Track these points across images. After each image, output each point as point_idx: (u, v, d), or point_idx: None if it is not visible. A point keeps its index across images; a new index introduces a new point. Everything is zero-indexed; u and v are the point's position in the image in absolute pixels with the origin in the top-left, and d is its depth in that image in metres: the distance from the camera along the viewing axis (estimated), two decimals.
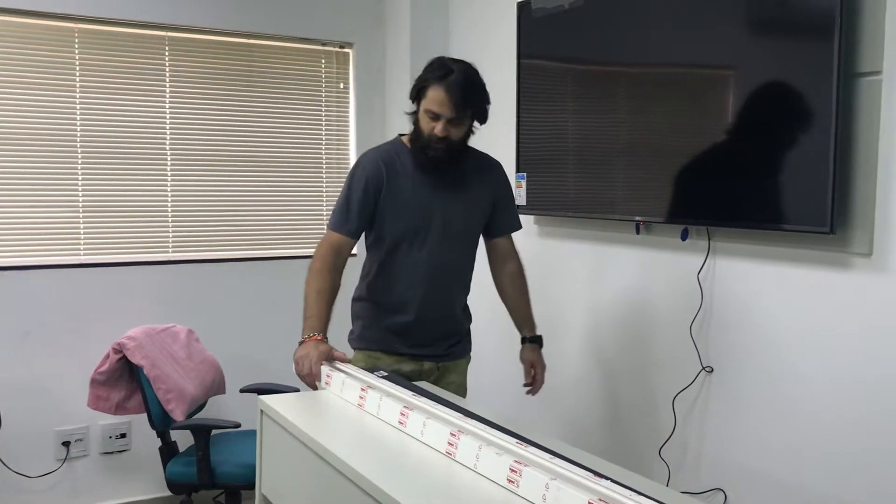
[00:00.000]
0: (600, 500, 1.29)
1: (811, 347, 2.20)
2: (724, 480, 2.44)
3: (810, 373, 2.20)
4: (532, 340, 2.67)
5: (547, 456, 1.47)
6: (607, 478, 1.38)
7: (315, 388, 2.29)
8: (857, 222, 2.06)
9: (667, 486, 2.43)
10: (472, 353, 2.71)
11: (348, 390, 2.12)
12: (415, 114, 2.45)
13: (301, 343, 2.33)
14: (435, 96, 2.35)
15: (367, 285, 2.56)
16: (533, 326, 2.68)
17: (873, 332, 2.05)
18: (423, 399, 1.90)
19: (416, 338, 2.51)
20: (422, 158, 2.44)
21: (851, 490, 2.09)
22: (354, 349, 2.58)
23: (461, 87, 2.34)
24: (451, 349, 2.59)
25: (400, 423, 1.86)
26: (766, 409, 2.32)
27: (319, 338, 2.31)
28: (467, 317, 2.67)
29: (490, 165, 2.64)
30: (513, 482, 1.46)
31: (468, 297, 2.64)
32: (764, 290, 2.33)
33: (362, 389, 2.06)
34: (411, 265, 2.48)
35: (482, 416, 1.84)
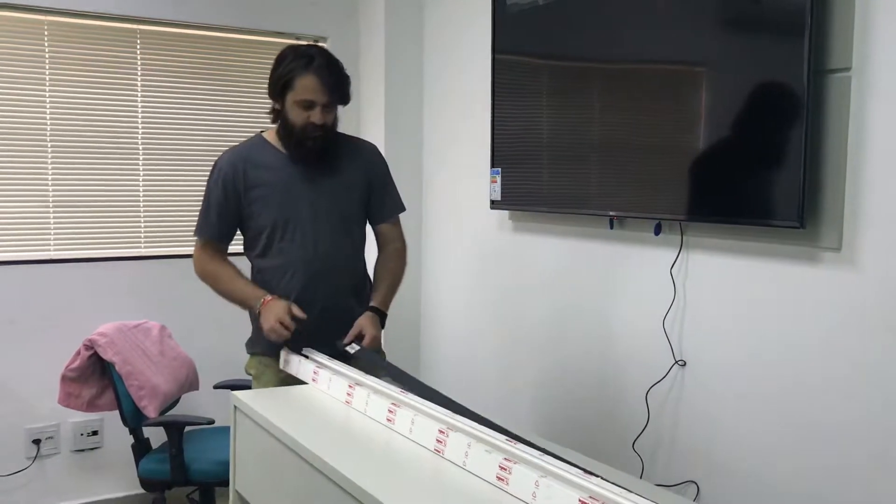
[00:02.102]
0: (591, 497, 1.29)
1: (781, 341, 2.22)
2: (697, 473, 2.47)
3: (781, 366, 2.23)
4: (376, 311, 2.47)
5: (537, 453, 1.47)
6: (597, 475, 1.38)
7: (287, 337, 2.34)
8: (827, 217, 2.09)
9: (640, 478, 2.45)
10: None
11: (335, 387, 2.11)
12: (279, 111, 2.41)
13: (259, 313, 2.37)
14: (306, 84, 2.33)
15: (255, 281, 2.50)
16: (384, 303, 2.50)
17: (842, 326, 2.08)
18: (412, 396, 1.88)
19: (304, 336, 2.39)
20: (301, 152, 2.41)
21: (822, 483, 2.12)
22: (248, 355, 2.55)
23: (329, 70, 2.34)
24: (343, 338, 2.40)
25: (388, 419, 1.85)
26: (737, 402, 2.35)
27: (269, 298, 2.38)
28: (366, 302, 2.52)
29: (362, 148, 2.59)
30: (502, 479, 1.46)
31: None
32: (736, 284, 2.35)
33: (350, 386, 2.05)
34: (285, 259, 2.44)
35: (473, 412, 1.80)
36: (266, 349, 2.47)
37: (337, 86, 2.37)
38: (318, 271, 2.44)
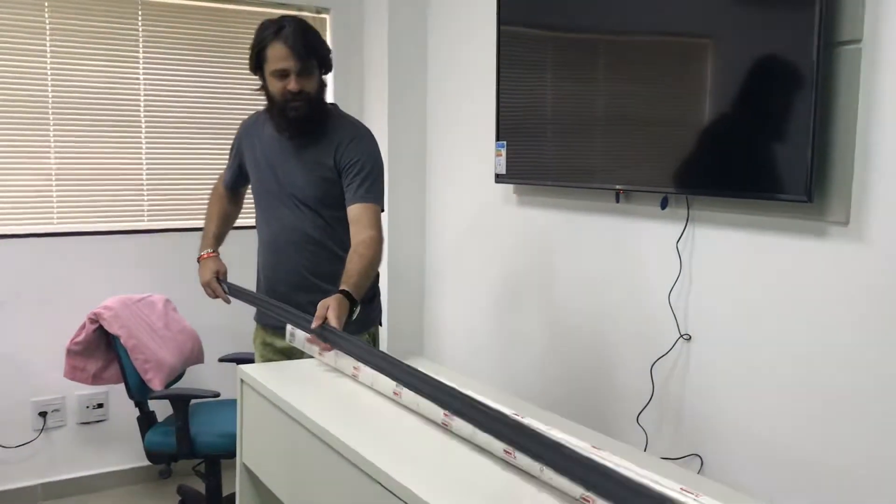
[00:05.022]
0: None
1: (788, 315, 2.22)
2: (701, 446, 2.48)
3: (787, 340, 2.22)
4: (347, 295, 2.23)
5: (545, 428, 1.47)
6: (601, 452, 1.38)
7: (222, 298, 2.60)
8: (835, 191, 2.08)
9: (644, 451, 2.46)
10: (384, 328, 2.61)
11: (342, 361, 2.11)
12: (263, 86, 2.44)
13: (199, 261, 2.63)
14: (276, 53, 2.34)
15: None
16: (352, 285, 2.26)
17: (849, 300, 2.07)
18: (422, 371, 1.81)
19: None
20: (283, 123, 2.42)
21: (829, 455, 2.13)
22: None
23: (298, 36, 2.34)
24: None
25: (395, 393, 1.85)
26: (742, 376, 2.35)
27: (211, 253, 2.64)
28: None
29: (345, 131, 2.46)
30: (510, 453, 1.46)
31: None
32: (742, 259, 2.34)
33: (354, 367, 2.05)
34: (260, 231, 2.58)
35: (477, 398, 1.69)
36: (256, 315, 2.64)
37: (308, 51, 2.35)
38: (279, 248, 2.51)
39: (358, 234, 2.38)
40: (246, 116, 2.72)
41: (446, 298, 3.74)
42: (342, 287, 2.25)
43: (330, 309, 2.13)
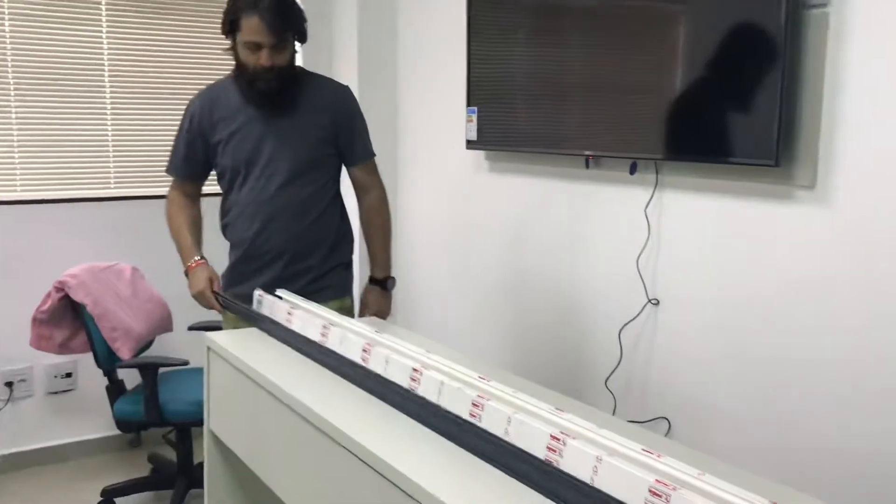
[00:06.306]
0: (562, 432, 1.30)
1: (754, 278, 2.24)
2: (669, 409, 2.50)
3: (753, 303, 2.25)
4: (376, 282, 2.54)
5: (509, 390, 1.48)
6: (564, 415, 1.38)
7: (218, 310, 2.46)
8: (802, 155, 2.09)
9: (613, 415, 2.48)
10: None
11: (310, 328, 2.10)
12: (233, 49, 2.36)
13: (186, 274, 2.46)
14: (250, 25, 2.26)
15: (223, 225, 2.54)
16: (382, 266, 2.54)
17: (814, 263, 2.09)
18: (387, 336, 1.87)
19: (258, 280, 2.41)
20: (252, 93, 2.36)
21: (791, 416, 2.16)
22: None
23: (275, 11, 2.26)
24: (308, 289, 2.39)
25: (363, 359, 1.85)
26: (709, 340, 2.37)
27: (200, 261, 2.45)
28: (336, 254, 2.52)
29: (329, 89, 2.50)
30: (475, 416, 1.46)
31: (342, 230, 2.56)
32: (710, 223, 2.35)
33: (324, 327, 2.04)
34: (243, 203, 2.44)
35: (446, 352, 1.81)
36: (228, 287, 2.52)
37: (284, 26, 2.29)
38: (272, 216, 2.41)
39: (366, 194, 2.55)
40: (197, 91, 2.55)
41: (418, 264, 3.73)
42: (371, 275, 2.53)
43: (370, 309, 2.51)
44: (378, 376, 1.71)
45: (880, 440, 1.97)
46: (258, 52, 2.29)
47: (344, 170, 2.57)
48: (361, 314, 2.55)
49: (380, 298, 2.56)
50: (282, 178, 2.40)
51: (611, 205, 2.67)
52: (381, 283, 2.56)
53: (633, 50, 2.49)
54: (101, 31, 3.48)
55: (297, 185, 2.42)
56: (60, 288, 3.00)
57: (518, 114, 3.00)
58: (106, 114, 3.54)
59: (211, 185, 2.61)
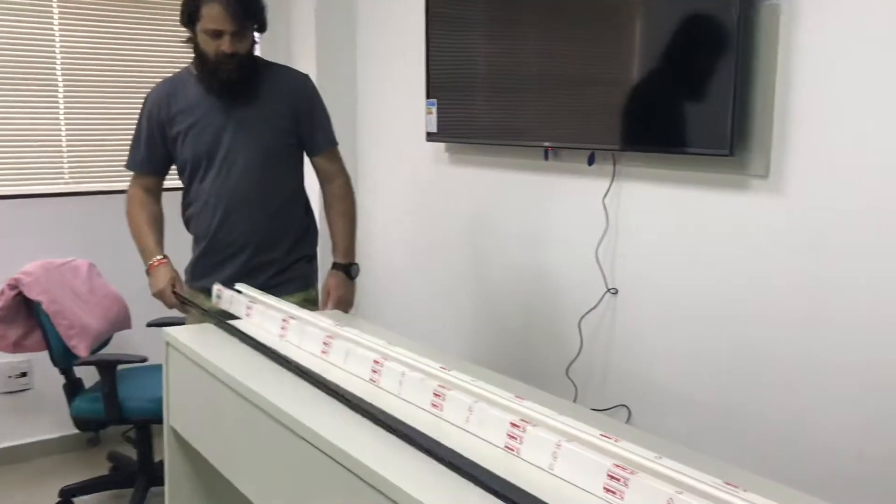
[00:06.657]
0: (522, 419, 1.31)
1: (710, 266, 2.28)
2: (629, 397, 2.54)
3: (710, 291, 2.28)
4: (339, 267, 2.54)
5: (470, 379, 1.48)
6: (525, 402, 1.39)
7: (179, 309, 2.47)
8: (755, 145, 2.12)
9: (574, 403, 2.50)
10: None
11: (269, 322, 2.08)
12: (192, 39, 2.36)
13: (147, 273, 2.45)
14: (211, 13, 2.27)
15: (186, 219, 2.54)
16: (345, 252, 2.55)
17: (769, 250, 2.13)
18: (349, 328, 1.87)
19: (222, 273, 2.42)
20: (214, 83, 2.36)
21: (748, 402, 2.20)
22: (185, 283, 2.55)
23: None
24: (271, 282, 2.42)
25: (323, 352, 1.84)
26: (667, 328, 2.40)
27: (161, 260, 2.45)
28: (299, 246, 2.53)
29: (288, 78, 2.52)
30: (437, 406, 1.47)
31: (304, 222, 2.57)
32: (666, 213, 2.39)
33: (284, 320, 2.03)
34: (205, 195, 2.43)
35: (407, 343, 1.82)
36: (192, 278, 2.52)
37: (245, 13, 2.29)
38: (234, 207, 2.41)
39: (329, 183, 2.55)
40: (155, 84, 2.53)
41: (378, 257, 3.72)
42: (335, 260, 2.51)
43: (333, 293, 2.48)
44: (336, 385, 1.70)
45: (829, 418, 2.01)
46: (219, 39, 2.28)
47: (309, 164, 2.56)
48: (324, 301, 2.53)
49: (342, 284, 2.53)
50: (242, 167, 2.39)
51: (569, 196, 2.69)
52: (345, 268, 2.55)
53: (590, 42, 2.51)
54: (52, 22, 3.41)
55: (259, 175, 2.41)
56: (14, 285, 2.95)
57: (478, 106, 3.01)
58: (58, 107, 3.47)
59: (172, 180, 2.59)
